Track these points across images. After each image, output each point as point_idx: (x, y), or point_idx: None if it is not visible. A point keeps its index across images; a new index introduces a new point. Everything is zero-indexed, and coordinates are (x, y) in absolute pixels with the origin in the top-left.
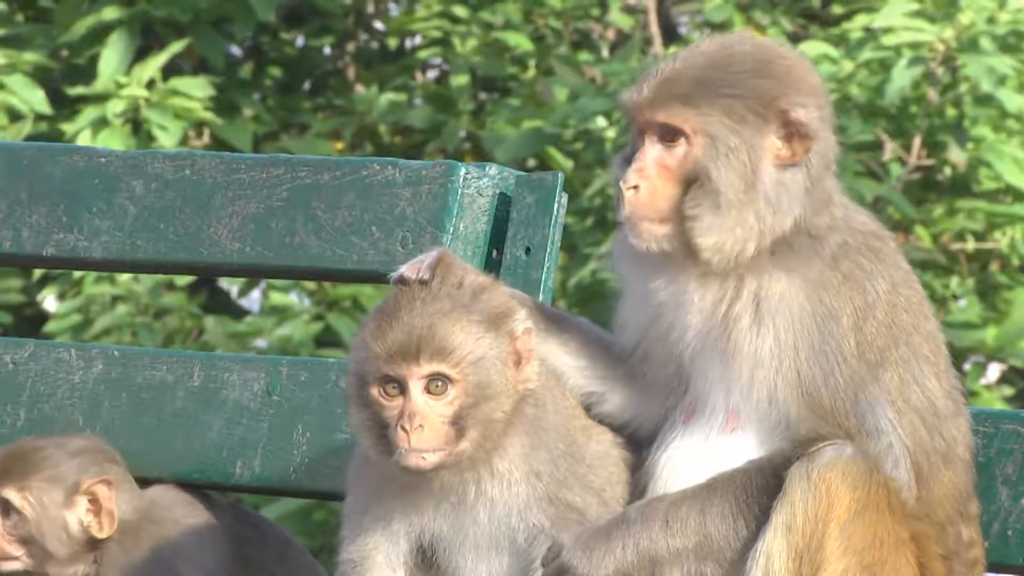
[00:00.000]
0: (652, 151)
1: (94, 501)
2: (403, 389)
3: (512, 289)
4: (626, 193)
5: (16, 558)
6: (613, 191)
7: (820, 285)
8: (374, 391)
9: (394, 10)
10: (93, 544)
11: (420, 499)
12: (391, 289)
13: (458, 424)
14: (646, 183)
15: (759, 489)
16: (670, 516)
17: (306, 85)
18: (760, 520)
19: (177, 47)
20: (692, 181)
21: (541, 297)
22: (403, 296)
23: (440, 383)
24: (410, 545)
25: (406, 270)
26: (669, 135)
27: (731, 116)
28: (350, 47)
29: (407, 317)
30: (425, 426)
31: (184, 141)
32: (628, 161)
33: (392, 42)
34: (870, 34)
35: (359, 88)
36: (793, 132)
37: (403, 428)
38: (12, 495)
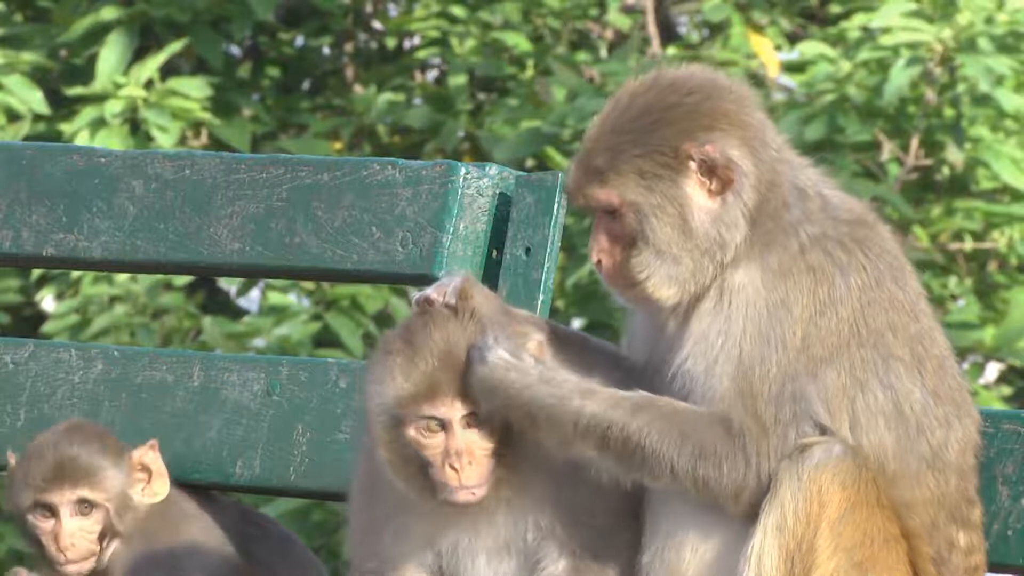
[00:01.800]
0: (602, 225)
1: (144, 469)
2: (444, 426)
3: (527, 312)
4: (596, 267)
5: (96, 554)
6: None
7: (780, 274)
8: (411, 431)
9: (392, 10)
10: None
11: (438, 510)
12: (414, 310)
13: (496, 455)
14: (604, 255)
15: (667, 428)
16: (596, 406)
17: (305, 85)
18: (646, 449)
19: (175, 47)
20: (636, 244)
21: (541, 297)
22: (432, 329)
23: (478, 417)
24: (432, 551)
25: (432, 293)
26: (607, 210)
27: (644, 176)
28: (348, 47)
29: (442, 355)
30: (473, 462)
31: (182, 141)
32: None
33: (391, 42)
34: (868, 34)
35: (357, 88)
36: (712, 167)
37: (451, 467)
38: (90, 493)
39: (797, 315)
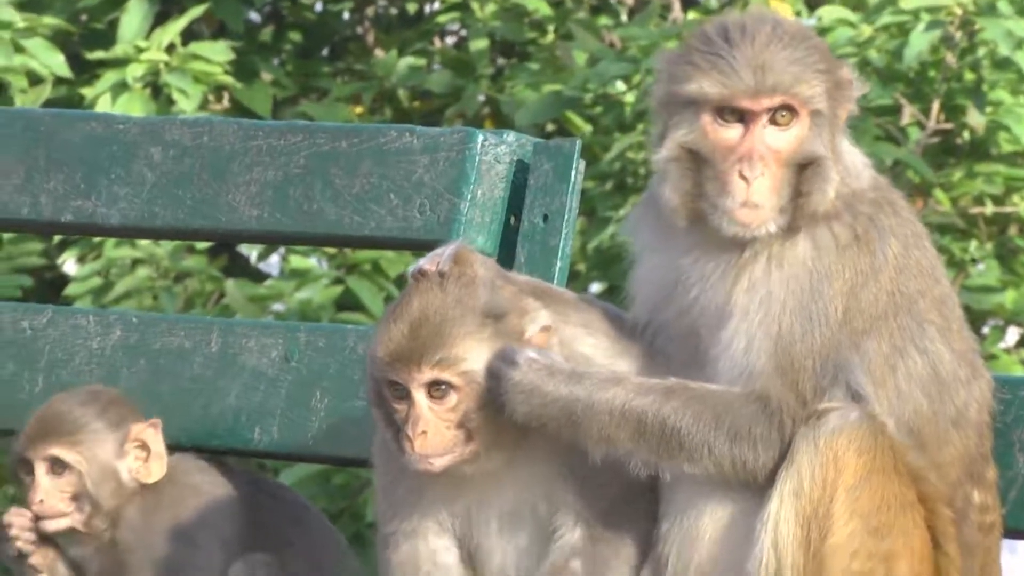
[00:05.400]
0: (764, 137)
1: (142, 447)
2: (407, 394)
3: (527, 278)
4: (754, 182)
5: (67, 515)
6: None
7: (827, 248)
8: (386, 393)
9: None
10: (127, 497)
11: (450, 475)
12: (409, 283)
13: (464, 427)
14: (766, 176)
15: (700, 413)
16: (628, 395)
17: (325, 50)
18: (682, 435)
19: (196, 12)
20: (805, 164)
21: (558, 264)
22: (415, 296)
23: (442, 388)
24: (448, 514)
25: (425, 263)
26: (782, 115)
27: (840, 85)
28: (369, 12)
29: (414, 322)
30: (429, 432)
31: (204, 105)
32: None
33: (411, 7)
34: None
35: (378, 53)
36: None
37: (408, 434)
38: (64, 452)
39: (838, 288)
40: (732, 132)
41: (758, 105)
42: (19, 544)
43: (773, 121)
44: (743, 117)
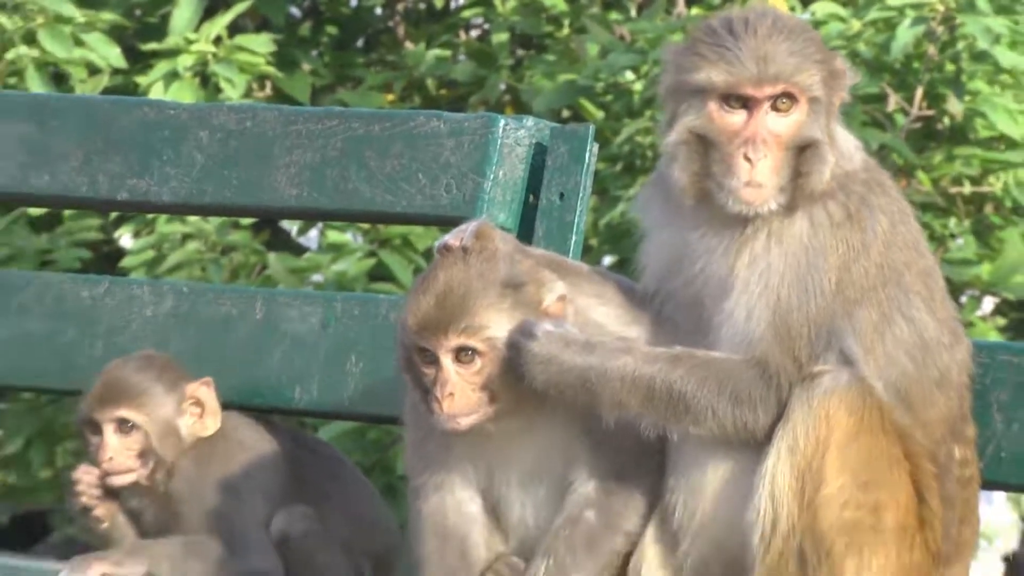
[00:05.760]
0: (766, 122)
1: (197, 404)
2: (435, 359)
3: (544, 252)
4: (757, 163)
5: (133, 471)
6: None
7: (822, 225)
8: (415, 358)
9: None
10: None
11: (474, 433)
12: (435, 257)
13: (488, 389)
14: (768, 158)
15: (704, 379)
16: (637, 363)
17: (359, 42)
18: (687, 399)
19: (241, 7)
20: (803, 147)
21: (573, 238)
22: (441, 267)
23: (468, 353)
24: (473, 469)
25: (450, 239)
26: (782, 102)
27: (834, 75)
28: (400, 7)
29: (440, 293)
30: (456, 393)
31: (248, 93)
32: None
33: (438, 2)
34: None
35: (408, 45)
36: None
37: (436, 396)
38: (130, 414)
39: (833, 262)
40: (737, 118)
41: (761, 93)
42: (85, 499)
43: (774, 107)
44: (747, 104)
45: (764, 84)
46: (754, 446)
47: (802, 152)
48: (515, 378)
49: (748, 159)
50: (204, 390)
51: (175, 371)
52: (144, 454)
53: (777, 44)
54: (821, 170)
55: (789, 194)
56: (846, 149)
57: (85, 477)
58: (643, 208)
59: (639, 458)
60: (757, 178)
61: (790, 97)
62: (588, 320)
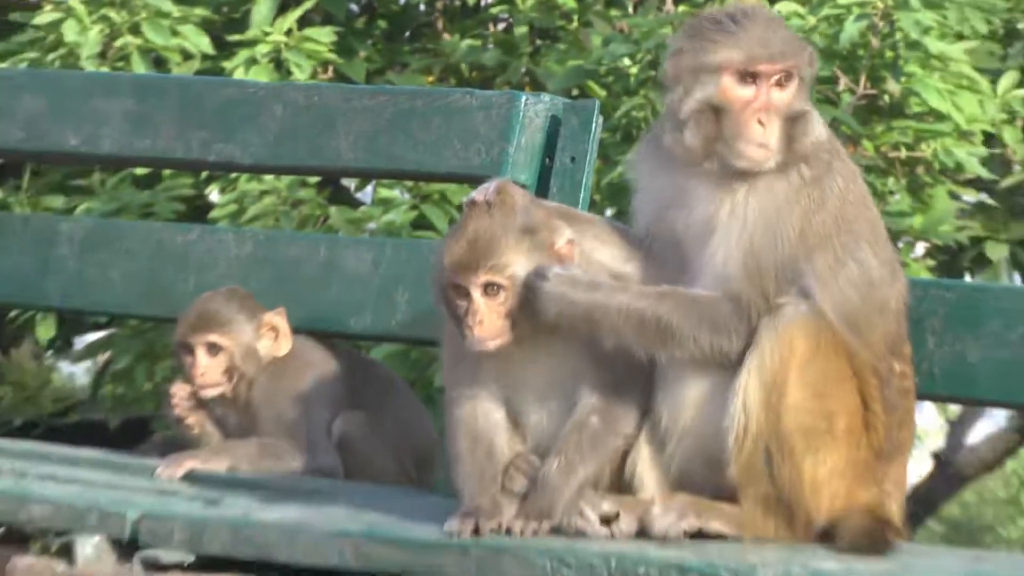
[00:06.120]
0: (772, 95)
1: (272, 329)
2: (467, 293)
3: (555, 204)
4: (767, 128)
5: (220, 385)
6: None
7: (790, 185)
8: (449, 293)
9: None
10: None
11: (499, 354)
12: (464, 210)
13: (511, 317)
14: (773, 124)
15: (687, 312)
16: (631, 299)
17: (406, 34)
18: (673, 329)
19: (309, 4)
20: (794, 118)
21: (582, 194)
22: (470, 218)
23: (494, 287)
24: (498, 386)
25: (476, 195)
26: (783, 79)
27: (811, 60)
28: (439, 4)
29: (471, 240)
30: (484, 321)
31: (314, 75)
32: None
33: (471, 1)
34: None
35: (445, 36)
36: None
37: (468, 323)
38: (218, 338)
39: (797, 215)
40: (749, 91)
41: (770, 69)
42: (178, 411)
43: (776, 83)
44: (756, 80)
45: (773, 62)
46: (728, 367)
47: (794, 121)
48: (532, 310)
49: (761, 123)
50: (278, 318)
51: (252, 303)
52: (229, 371)
53: (776, 32)
54: (808, 135)
55: (783, 155)
56: (816, 122)
57: (179, 392)
58: (637, 165)
59: (633, 375)
60: (766, 140)
61: (788, 75)
62: (591, 260)
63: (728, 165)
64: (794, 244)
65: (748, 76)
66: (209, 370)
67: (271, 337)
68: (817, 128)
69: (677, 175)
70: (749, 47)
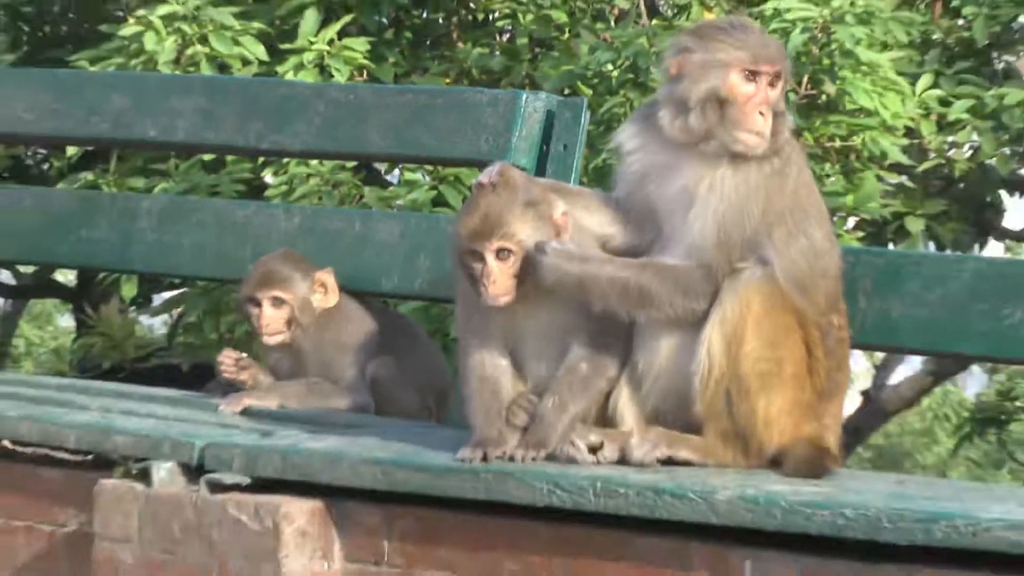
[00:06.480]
0: (768, 91)
1: (323, 285)
2: (481, 257)
3: (549, 180)
4: (766, 124)
5: (282, 332)
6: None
7: (761, 172)
8: (465, 257)
9: None
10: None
11: (504, 308)
12: (473, 190)
13: (517, 278)
14: (769, 116)
15: (664, 280)
16: (616, 270)
17: (427, 43)
18: (652, 295)
19: (347, 19)
20: (779, 114)
21: (573, 176)
22: (480, 196)
23: (505, 252)
24: (503, 335)
25: (483, 178)
26: (776, 79)
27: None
28: (454, 19)
29: (483, 214)
30: (496, 280)
31: (351, 77)
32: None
33: (480, 15)
34: (776, 12)
35: (460, 45)
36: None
37: (483, 283)
38: (280, 292)
39: (762, 196)
40: (751, 87)
41: (769, 70)
42: (227, 375)
43: (770, 83)
44: (756, 77)
45: (772, 64)
46: (696, 324)
47: (777, 117)
48: (534, 277)
49: (762, 114)
50: (327, 275)
51: (304, 263)
52: (290, 321)
53: (770, 39)
54: (783, 130)
55: (769, 144)
56: (789, 119)
57: (225, 360)
58: (625, 138)
59: (616, 330)
60: (763, 130)
61: (779, 76)
62: (581, 226)
63: (726, 148)
64: (759, 220)
65: (751, 74)
66: (273, 320)
67: (322, 292)
68: (789, 124)
69: (664, 151)
70: (753, 49)
